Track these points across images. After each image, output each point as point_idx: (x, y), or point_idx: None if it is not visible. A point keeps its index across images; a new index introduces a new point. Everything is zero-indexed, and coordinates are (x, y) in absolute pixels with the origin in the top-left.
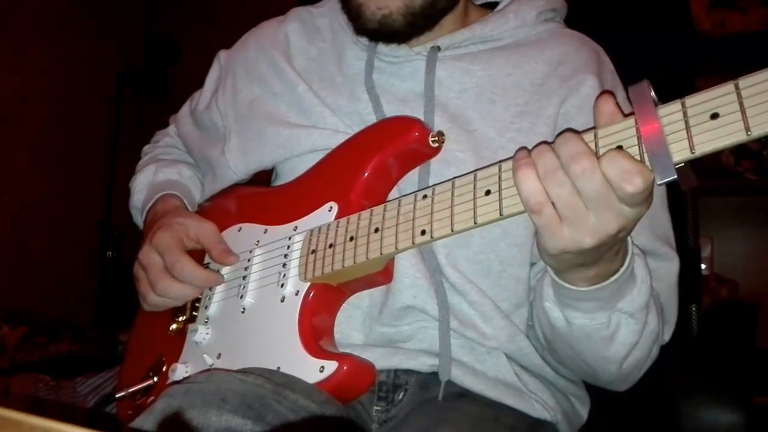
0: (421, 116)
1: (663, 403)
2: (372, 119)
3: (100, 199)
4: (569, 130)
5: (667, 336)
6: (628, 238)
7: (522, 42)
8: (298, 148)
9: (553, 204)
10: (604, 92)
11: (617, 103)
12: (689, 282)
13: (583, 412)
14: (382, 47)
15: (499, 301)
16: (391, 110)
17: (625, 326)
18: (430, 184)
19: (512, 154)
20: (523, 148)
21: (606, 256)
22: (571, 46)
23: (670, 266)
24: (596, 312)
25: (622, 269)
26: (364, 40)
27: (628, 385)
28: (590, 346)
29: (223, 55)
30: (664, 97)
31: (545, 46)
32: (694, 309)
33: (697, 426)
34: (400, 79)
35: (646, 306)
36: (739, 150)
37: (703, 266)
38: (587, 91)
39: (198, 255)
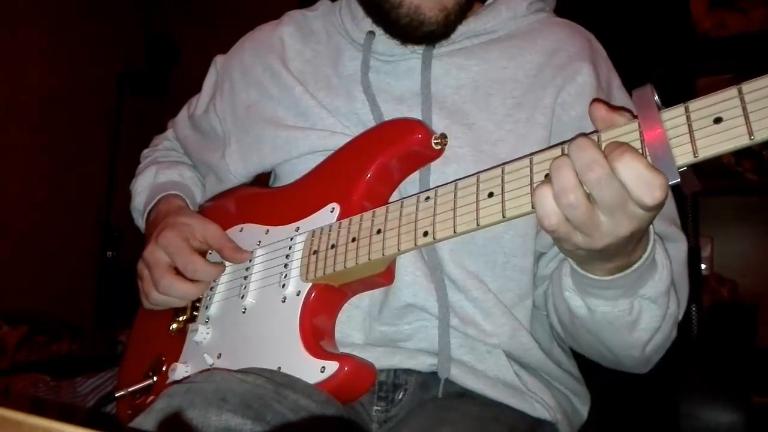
0: (418, 114)
1: (663, 402)
2: (369, 119)
3: (100, 199)
4: (582, 135)
5: (680, 315)
6: (650, 225)
7: (515, 33)
8: (297, 150)
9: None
10: (594, 100)
11: (608, 105)
12: (689, 282)
13: (583, 411)
14: (377, 46)
15: (502, 293)
16: (388, 109)
17: (647, 312)
18: (431, 182)
19: (512, 147)
20: (561, 157)
21: (625, 251)
22: (564, 35)
23: (679, 246)
24: (618, 299)
25: (644, 256)
26: (359, 40)
27: (649, 367)
28: (613, 333)
29: (219, 60)
30: (665, 98)
31: (538, 36)
32: (694, 309)
33: (697, 426)
34: (396, 78)
35: (667, 291)
36: (739, 150)
37: (703, 266)
38: (583, 78)
39: (205, 254)
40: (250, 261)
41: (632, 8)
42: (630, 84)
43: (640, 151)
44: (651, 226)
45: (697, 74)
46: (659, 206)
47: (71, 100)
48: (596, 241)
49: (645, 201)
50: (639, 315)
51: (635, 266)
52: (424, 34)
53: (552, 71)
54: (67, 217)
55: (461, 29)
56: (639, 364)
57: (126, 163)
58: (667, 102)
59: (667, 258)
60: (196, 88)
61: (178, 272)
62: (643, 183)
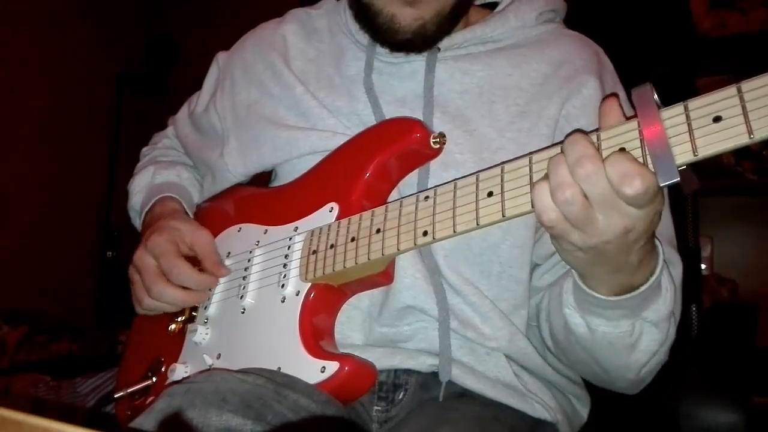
0: (420, 117)
1: (663, 403)
2: (371, 120)
3: (100, 199)
4: (578, 131)
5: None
6: (659, 248)
7: (522, 43)
8: (297, 150)
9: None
10: (609, 95)
11: (621, 107)
12: (689, 282)
13: (584, 412)
14: (381, 48)
15: (498, 301)
16: (390, 111)
17: (647, 335)
18: (430, 186)
19: (512, 155)
20: (559, 154)
21: (628, 261)
22: (572, 47)
23: (676, 269)
24: (621, 320)
25: (652, 279)
26: (363, 41)
27: (640, 389)
28: (611, 354)
29: (221, 57)
30: (665, 97)
31: (546, 47)
32: (694, 309)
33: (697, 426)
34: (399, 80)
35: (669, 316)
36: (739, 150)
37: (703, 266)
38: (589, 92)
39: (193, 260)
40: (249, 261)
41: (632, 8)
42: (630, 84)
43: (640, 149)
44: (660, 248)
45: (697, 74)
46: (644, 199)
47: (71, 100)
48: (592, 238)
49: (625, 191)
50: (639, 337)
51: (642, 288)
52: (399, 42)
53: (558, 82)
54: (67, 217)
55: (467, 35)
56: (632, 386)
57: (126, 163)
58: (668, 102)
59: (671, 283)
60: (196, 89)
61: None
62: (624, 174)
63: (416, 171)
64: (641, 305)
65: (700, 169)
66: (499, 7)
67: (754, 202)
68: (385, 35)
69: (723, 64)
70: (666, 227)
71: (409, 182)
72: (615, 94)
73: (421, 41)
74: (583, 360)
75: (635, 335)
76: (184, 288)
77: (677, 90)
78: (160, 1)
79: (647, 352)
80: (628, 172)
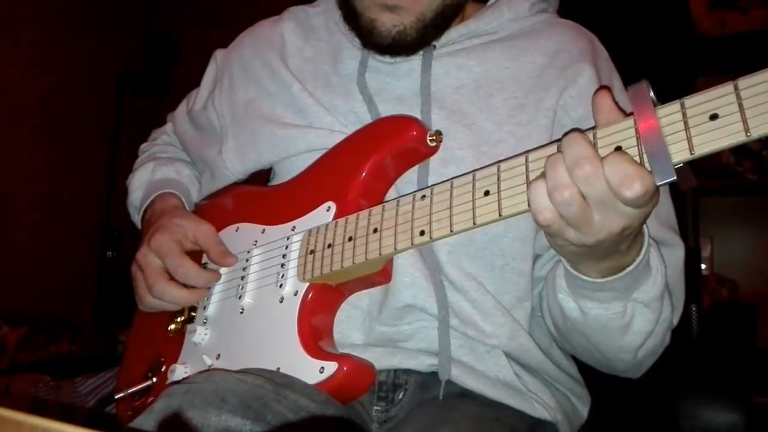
0: (417, 114)
1: (663, 402)
2: (368, 118)
3: (100, 199)
4: (575, 130)
5: (675, 320)
6: (645, 228)
7: (517, 34)
8: (295, 148)
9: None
10: (601, 88)
11: (614, 100)
12: (689, 282)
13: (584, 411)
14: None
15: (501, 295)
16: (387, 109)
17: (640, 315)
18: (429, 183)
19: (512, 148)
20: (556, 153)
21: (618, 249)
22: (566, 36)
23: (676, 252)
24: (611, 302)
25: (638, 259)
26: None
27: (642, 372)
28: (605, 336)
29: (219, 54)
30: (664, 97)
31: (540, 37)
32: (694, 309)
33: (697, 426)
34: (396, 78)
35: (661, 296)
36: (739, 150)
37: (703, 266)
38: (585, 80)
39: (196, 256)
40: (247, 261)
41: (632, 8)
42: (629, 83)
43: (636, 147)
44: (646, 229)
45: (697, 74)
46: (643, 200)
47: (71, 100)
48: (588, 237)
49: (625, 194)
50: (632, 319)
51: (629, 269)
52: (380, 45)
53: (555, 73)
54: (67, 217)
55: (461, 30)
56: (631, 369)
57: (126, 163)
58: (666, 101)
59: (662, 263)
60: (196, 88)
61: (172, 276)
62: (624, 176)
63: (416, 168)
64: (631, 286)
65: (700, 168)
66: (492, 0)
67: (754, 202)
68: (367, 38)
69: (723, 64)
70: (666, 212)
71: (409, 179)
72: (607, 87)
73: (402, 46)
74: (582, 345)
75: (627, 316)
76: (186, 286)
77: (677, 90)
78: (160, 1)
79: (641, 333)
80: (628, 174)
